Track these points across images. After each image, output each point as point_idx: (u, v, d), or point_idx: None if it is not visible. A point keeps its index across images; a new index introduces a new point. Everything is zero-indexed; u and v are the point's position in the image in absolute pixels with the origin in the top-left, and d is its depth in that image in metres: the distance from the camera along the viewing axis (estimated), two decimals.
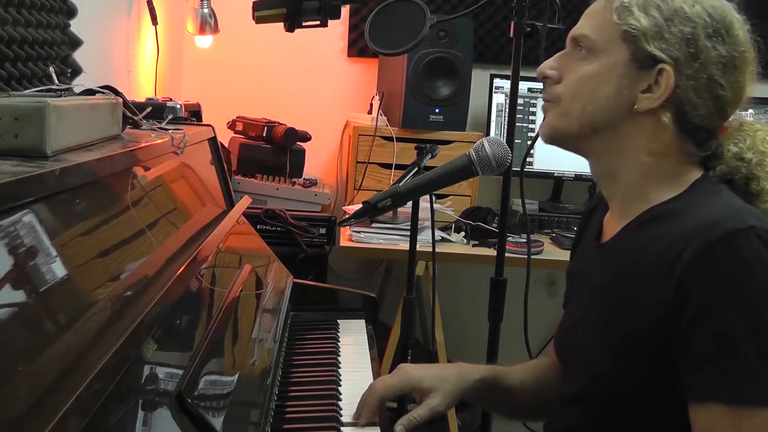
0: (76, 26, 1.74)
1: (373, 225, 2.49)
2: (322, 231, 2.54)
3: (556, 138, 1.15)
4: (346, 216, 1.74)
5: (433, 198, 1.94)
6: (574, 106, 1.11)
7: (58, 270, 0.83)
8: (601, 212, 1.22)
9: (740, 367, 0.94)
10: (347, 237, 2.51)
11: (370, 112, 2.85)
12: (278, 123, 2.70)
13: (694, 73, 1.04)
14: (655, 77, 1.05)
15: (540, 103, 2.84)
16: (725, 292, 0.94)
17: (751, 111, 2.82)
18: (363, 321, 1.81)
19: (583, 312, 1.18)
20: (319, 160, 3.04)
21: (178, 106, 1.88)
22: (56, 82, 1.36)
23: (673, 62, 1.04)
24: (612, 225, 1.16)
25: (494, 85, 2.90)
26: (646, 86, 1.06)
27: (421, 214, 1.64)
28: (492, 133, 2.89)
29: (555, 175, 2.93)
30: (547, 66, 1.15)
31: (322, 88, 3.11)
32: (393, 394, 1.27)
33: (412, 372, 1.27)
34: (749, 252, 0.95)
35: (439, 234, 2.49)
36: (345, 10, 2.40)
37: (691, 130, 1.07)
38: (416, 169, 1.86)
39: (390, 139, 2.73)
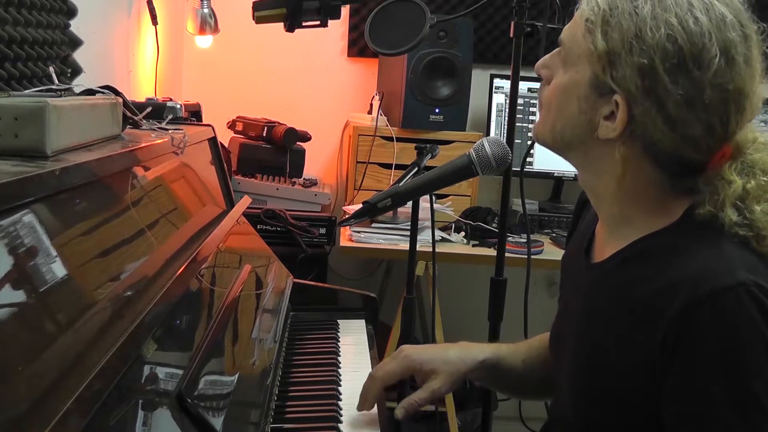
0: (76, 26, 1.74)
1: (373, 225, 2.49)
2: (322, 231, 2.54)
3: (539, 142, 1.11)
4: (346, 216, 1.74)
5: (433, 198, 1.94)
6: (548, 118, 1.06)
7: (58, 270, 0.83)
8: (593, 213, 1.16)
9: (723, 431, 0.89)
10: (347, 237, 2.51)
11: (370, 112, 2.85)
12: (278, 123, 2.70)
13: (646, 110, 0.94)
14: (615, 105, 0.96)
15: None
16: (710, 355, 0.89)
17: None
18: (363, 321, 1.81)
19: (569, 327, 1.14)
20: (319, 160, 3.04)
21: (178, 106, 1.88)
22: (56, 82, 1.36)
23: (626, 94, 0.95)
24: (602, 242, 1.11)
25: (494, 85, 2.89)
26: (609, 113, 0.98)
27: (421, 214, 1.64)
28: (492, 133, 2.89)
29: (555, 175, 2.93)
30: (541, 64, 1.09)
31: (322, 88, 3.11)
32: (394, 380, 1.25)
33: (413, 355, 1.25)
34: (737, 313, 0.88)
35: (439, 234, 2.49)
36: (345, 10, 2.40)
37: (663, 162, 0.98)
38: (416, 169, 1.86)
39: (390, 139, 2.73)
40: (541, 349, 1.33)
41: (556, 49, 1.07)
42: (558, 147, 1.08)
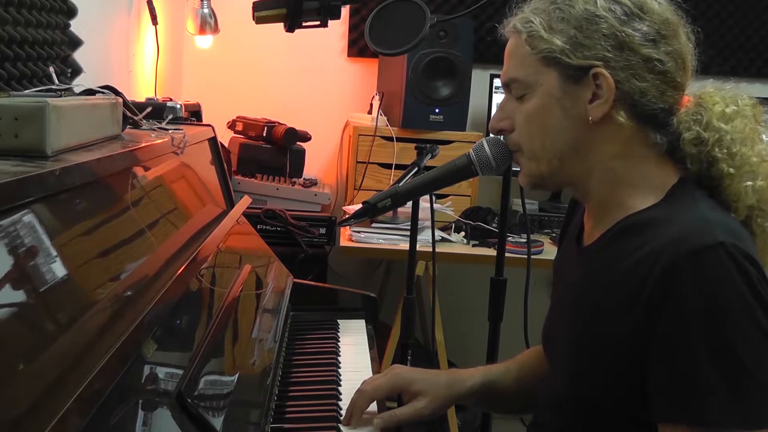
0: (76, 26, 1.74)
1: (373, 225, 2.49)
2: (322, 231, 2.54)
3: (536, 183, 1.13)
4: (346, 216, 1.73)
5: (433, 198, 1.94)
6: (535, 146, 1.09)
7: (58, 270, 0.83)
8: (583, 208, 1.20)
9: (705, 389, 0.92)
10: (347, 237, 2.51)
11: (370, 112, 2.85)
12: (278, 123, 2.70)
13: (626, 62, 1.02)
14: (594, 83, 1.03)
15: None
16: (689, 312, 0.92)
17: None
18: (363, 321, 1.81)
19: (561, 317, 1.16)
20: (319, 160, 3.04)
21: (178, 106, 1.88)
22: (56, 82, 1.36)
23: (603, 62, 1.02)
24: (590, 228, 1.15)
25: (494, 85, 2.89)
26: (590, 95, 1.04)
27: (421, 214, 1.64)
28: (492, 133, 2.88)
29: None
30: (497, 119, 1.14)
31: (322, 88, 3.11)
32: (382, 395, 1.26)
33: (403, 374, 1.26)
34: (715, 270, 0.92)
35: (439, 234, 2.49)
36: (345, 10, 2.40)
37: (649, 116, 1.05)
38: (416, 169, 1.86)
39: (390, 139, 2.73)
40: (533, 363, 1.34)
41: (502, 100, 1.14)
42: (554, 168, 1.09)
